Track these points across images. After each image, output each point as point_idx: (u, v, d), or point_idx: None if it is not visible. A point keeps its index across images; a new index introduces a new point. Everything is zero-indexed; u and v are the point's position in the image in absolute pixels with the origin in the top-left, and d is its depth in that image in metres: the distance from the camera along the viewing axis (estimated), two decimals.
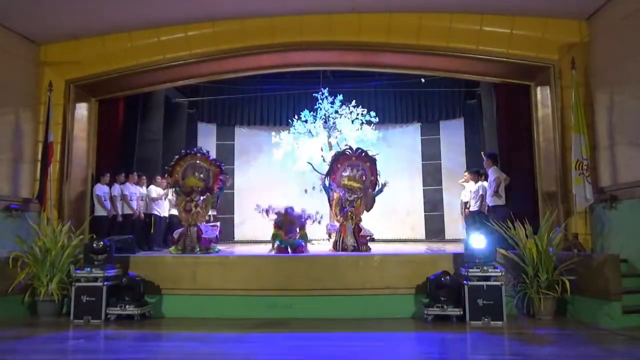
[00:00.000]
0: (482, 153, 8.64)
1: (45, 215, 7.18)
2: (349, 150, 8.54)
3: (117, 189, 8.65)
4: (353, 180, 8.16)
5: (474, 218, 8.76)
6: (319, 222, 8.94)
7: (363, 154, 8.43)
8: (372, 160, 8.38)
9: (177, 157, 7.91)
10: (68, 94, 8.03)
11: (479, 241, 6.06)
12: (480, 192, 8.55)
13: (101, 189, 8.35)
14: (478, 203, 8.62)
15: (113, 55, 7.96)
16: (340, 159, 8.37)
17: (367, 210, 8.29)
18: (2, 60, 7.25)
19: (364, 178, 8.18)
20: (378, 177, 8.30)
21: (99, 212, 8.26)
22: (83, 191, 8.25)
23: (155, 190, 9.22)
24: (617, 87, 6.52)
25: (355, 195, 8.16)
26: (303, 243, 7.91)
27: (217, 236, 8.05)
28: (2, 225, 6.94)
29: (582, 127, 6.53)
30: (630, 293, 5.56)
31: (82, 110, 8.36)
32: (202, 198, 7.70)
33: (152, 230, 9.13)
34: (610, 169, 6.58)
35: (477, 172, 9.00)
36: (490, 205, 7.89)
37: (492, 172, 7.86)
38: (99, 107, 8.69)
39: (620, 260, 5.70)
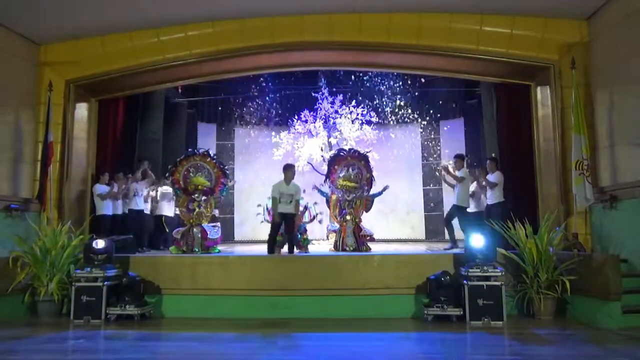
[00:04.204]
0: (445, 168, 8.48)
1: (45, 215, 7.17)
2: (343, 152, 8.62)
3: (116, 187, 8.66)
4: (348, 180, 8.20)
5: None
6: (320, 222, 9.00)
7: (356, 153, 8.51)
8: (365, 158, 8.47)
9: (182, 156, 7.99)
10: (68, 94, 8.03)
11: (479, 241, 6.06)
12: (472, 190, 8.59)
13: (102, 189, 8.34)
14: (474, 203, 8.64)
15: (113, 55, 7.96)
16: (337, 160, 8.46)
17: (366, 211, 8.32)
18: (2, 60, 7.25)
19: (359, 177, 8.23)
20: (373, 174, 8.39)
21: (100, 211, 8.25)
22: (83, 191, 8.25)
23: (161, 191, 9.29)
24: (617, 87, 6.53)
25: (353, 195, 8.18)
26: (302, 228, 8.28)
27: (220, 236, 8.13)
28: (2, 225, 6.94)
29: (582, 127, 6.53)
30: (630, 293, 5.56)
31: (82, 110, 8.36)
32: (204, 198, 7.74)
33: (167, 230, 9.22)
34: (610, 169, 6.58)
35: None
36: (489, 203, 7.89)
37: (496, 177, 7.83)
38: (99, 107, 8.69)
39: (620, 260, 5.70)
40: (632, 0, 6.24)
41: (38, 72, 7.90)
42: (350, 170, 8.27)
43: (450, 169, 8.12)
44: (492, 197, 7.80)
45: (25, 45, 7.73)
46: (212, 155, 8.03)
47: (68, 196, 7.90)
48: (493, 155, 8.60)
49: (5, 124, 7.30)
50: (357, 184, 8.17)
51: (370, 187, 8.32)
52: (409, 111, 13.01)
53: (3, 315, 6.21)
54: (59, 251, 6.57)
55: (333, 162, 8.48)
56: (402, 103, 12.82)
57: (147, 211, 9.13)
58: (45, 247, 6.55)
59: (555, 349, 4.85)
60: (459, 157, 8.15)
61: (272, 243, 7.39)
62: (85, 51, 7.95)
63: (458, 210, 7.89)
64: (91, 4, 6.98)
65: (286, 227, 7.47)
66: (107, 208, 8.25)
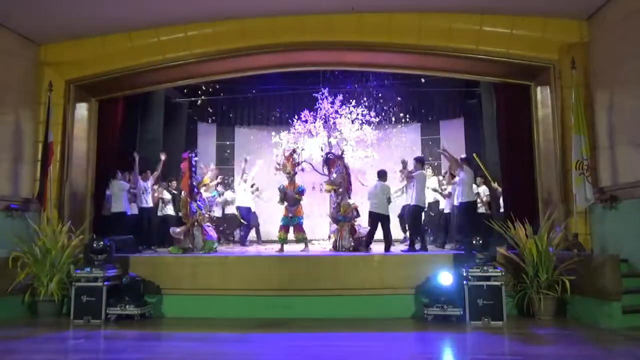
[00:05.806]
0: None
1: (45, 215, 7.17)
2: (330, 154, 9.10)
3: (141, 184, 8.86)
4: (327, 184, 8.76)
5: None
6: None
7: (333, 156, 9.03)
8: (340, 158, 8.91)
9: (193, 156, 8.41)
10: (68, 94, 8.03)
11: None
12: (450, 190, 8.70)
13: (125, 184, 8.36)
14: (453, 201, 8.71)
15: (113, 55, 7.94)
16: (330, 162, 8.90)
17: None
18: (2, 60, 7.24)
19: (343, 176, 8.59)
20: (348, 169, 8.86)
21: (120, 208, 8.25)
22: (83, 191, 8.24)
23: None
24: (617, 87, 6.52)
25: (341, 197, 8.53)
26: (302, 221, 8.60)
27: (218, 236, 8.22)
28: (2, 225, 6.94)
29: (582, 127, 6.53)
30: (630, 293, 5.57)
31: (82, 110, 8.35)
32: (202, 198, 7.84)
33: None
34: (610, 169, 6.58)
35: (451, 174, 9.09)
36: (458, 202, 7.94)
37: (462, 175, 7.88)
38: (99, 107, 8.67)
39: (620, 260, 5.70)
40: (632, 0, 6.24)
41: (38, 72, 7.89)
42: (337, 173, 8.65)
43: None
44: (460, 196, 7.83)
45: (26, 45, 7.71)
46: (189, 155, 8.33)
47: (68, 196, 7.89)
48: (464, 156, 8.72)
49: (5, 124, 7.30)
50: (334, 185, 8.53)
51: (350, 186, 8.63)
52: (409, 111, 13.00)
53: (3, 315, 6.21)
54: (59, 251, 6.58)
55: (327, 164, 9.00)
56: (402, 103, 12.81)
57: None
58: (45, 247, 6.56)
59: (555, 349, 4.86)
60: (417, 161, 8.15)
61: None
62: (85, 51, 7.94)
63: (416, 210, 7.85)
64: (91, 4, 6.96)
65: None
66: (126, 205, 8.35)
